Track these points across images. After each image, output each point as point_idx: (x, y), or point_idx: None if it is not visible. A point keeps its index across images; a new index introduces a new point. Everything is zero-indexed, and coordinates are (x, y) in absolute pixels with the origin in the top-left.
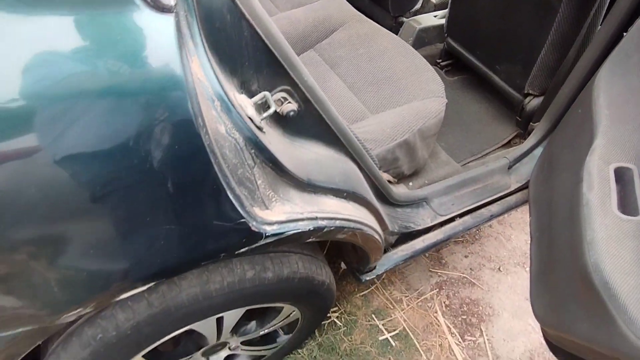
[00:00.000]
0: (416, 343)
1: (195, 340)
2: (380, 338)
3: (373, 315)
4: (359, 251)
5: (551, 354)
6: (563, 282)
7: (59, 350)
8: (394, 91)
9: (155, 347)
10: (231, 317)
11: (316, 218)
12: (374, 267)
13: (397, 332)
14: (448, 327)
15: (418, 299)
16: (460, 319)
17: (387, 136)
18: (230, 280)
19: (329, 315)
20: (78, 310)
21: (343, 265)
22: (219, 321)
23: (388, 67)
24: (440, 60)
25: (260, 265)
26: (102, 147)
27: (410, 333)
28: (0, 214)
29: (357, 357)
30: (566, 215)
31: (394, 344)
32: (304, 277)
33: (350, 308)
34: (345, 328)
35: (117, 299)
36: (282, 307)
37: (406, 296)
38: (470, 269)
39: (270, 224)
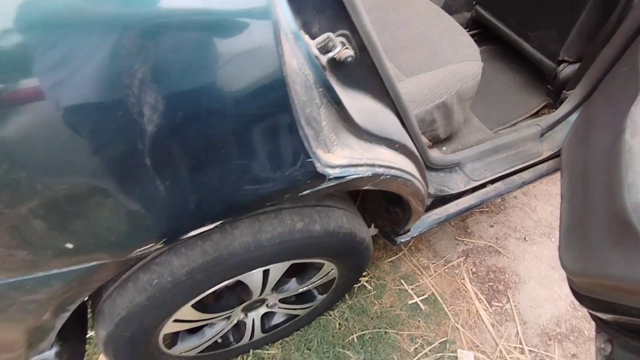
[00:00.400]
0: (445, 307)
1: (238, 294)
2: (410, 302)
3: (402, 281)
4: (394, 213)
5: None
6: (597, 229)
7: (114, 296)
8: (428, 55)
9: (202, 299)
10: (277, 270)
11: (374, 165)
12: (409, 230)
13: (425, 296)
14: (475, 293)
15: (445, 266)
16: (487, 285)
17: (425, 98)
18: (280, 230)
19: (359, 279)
20: (149, 245)
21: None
22: (265, 275)
23: (421, 31)
24: (467, 30)
25: (309, 217)
26: (190, 76)
27: (438, 298)
28: (80, 144)
29: (387, 319)
30: (604, 166)
31: (423, 308)
32: (348, 232)
33: (379, 273)
34: (375, 292)
35: (186, 236)
36: (323, 265)
37: (433, 263)
38: (496, 238)
39: (333, 167)
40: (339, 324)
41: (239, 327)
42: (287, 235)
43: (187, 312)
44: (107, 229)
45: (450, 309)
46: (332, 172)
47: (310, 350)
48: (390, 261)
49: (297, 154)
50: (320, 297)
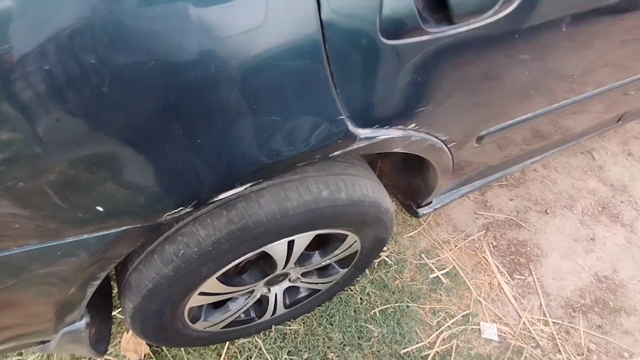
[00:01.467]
0: (466, 281)
1: (262, 267)
2: (431, 276)
3: (422, 255)
4: (416, 186)
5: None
6: None
7: (140, 268)
8: None
9: (227, 272)
10: (301, 241)
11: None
12: (430, 202)
13: (447, 270)
14: (497, 266)
15: (465, 240)
16: (508, 259)
17: None
18: (306, 199)
19: (379, 254)
20: (179, 209)
21: None
22: (290, 246)
23: None
24: None
25: (334, 185)
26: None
27: (460, 271)
28: (111, 100)
29: (408, 293)
30: None
31: (444, 281)
32: (373, 201)
33: (399, 248)
34: (396, 266)
35: (215, 199)
36: (346, 236)
37: (453, 237)
38: (516, 211)
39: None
40: (361, 298)
41: (262, 302)
42: (312, 203)
43: (212, 284)
44: (138, 190)
45: (472, 282)
46: (363, 133)
47: (332, 325)
48: (410, 236)
49: (330, 111)
50: (341, 272)
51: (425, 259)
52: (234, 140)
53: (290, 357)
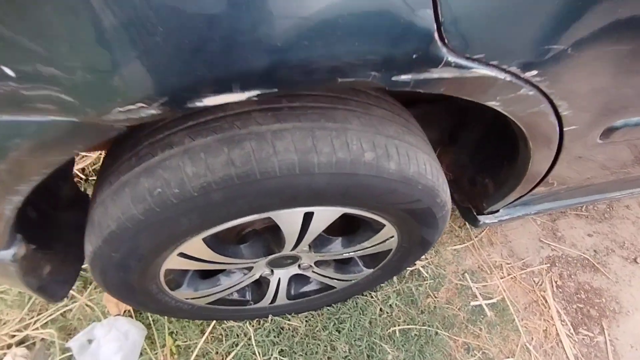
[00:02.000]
0: (516, 320)
1: (267, 242)
2: (472, 303)
3: (466, 275)
4: (482, 185)
5: None
6: None
7: (108, 202)
8: None
9: (218, 234)
10: (322, 217)
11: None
12: (497, 211)
13: (493, 301)
14: (558, 312)
15: (522, 270)
16: (574, 306)
17: None
18: (341, 156)
19: (415, 261)
20: (138, 104)
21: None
22: (307, 220)
23: None
24: None
25: (383, 149)
26: None
27: (509, 306)
28: None
29: (441, 317)
30: None
31: (488, 314)
32: (429, 187)
33: (439, 261)
34: (432, 281)
35: (198, 104)
36: (382, 227)
37: (508, 263)
38: (595, 250)
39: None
40: (381, 309)
41: (261, 285)
42: (348, 165)
43: (196, 246)
44: (73, 54)
45: (522, 324)
46: (455, 58)
47: (340, 332)
48: (455, 249)
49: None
50: (365, 271)
51: (470, 281)
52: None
53: (281, 357)
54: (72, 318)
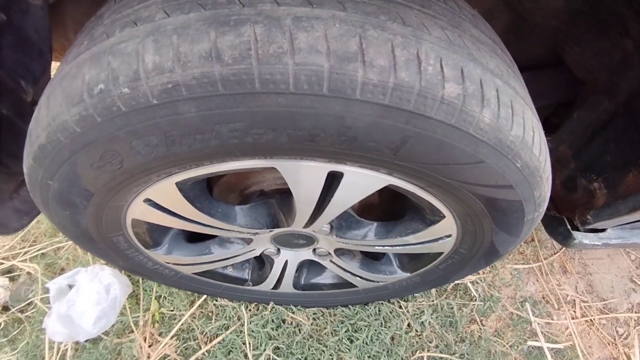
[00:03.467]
0: None
1: (272, 208)
2: (530, 343)
3: (526, 305)
4: (586, 191)
5: None
6: None
7: (42, 101)
8: None
9: (203, 183)
10: (355, 183)
11: None
12: (603, 230)
13: (559, 346)
14: None
15: (603, 314)
16: None
17: None
18: (405, 78)
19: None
20: None
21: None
22: (331, 184)
23: None
24: None
25: (477, 85)
26: None
27: (580, 356)
28: None
29: (484, 353)
30: None
31: None
32: (532, 168)
33: (494, 279)
34: (481, 304)
35: None
36: (441, 219)
37: (584, 301)
38: None
39: None
40: (409, 325)
41: (263, 264)
42: (414, 96)
43: (167, 192)
44: None
45: None
46: None
47: (352, 342)
48: (516, 269)
49: None
50: (398, 274)
51: (530, 313)
52: None
53: (275, 357)
54: (59, 257)
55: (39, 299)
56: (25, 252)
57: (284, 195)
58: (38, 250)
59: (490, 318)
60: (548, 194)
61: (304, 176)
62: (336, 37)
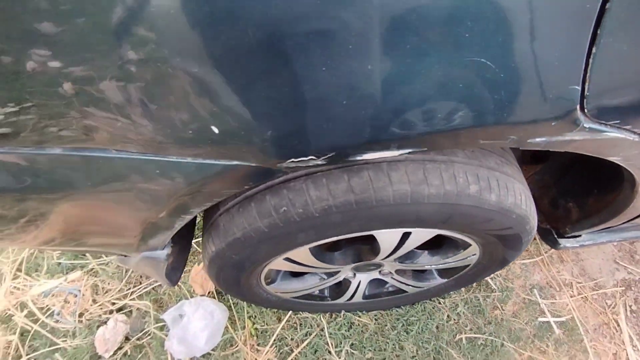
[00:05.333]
0: (585, 340)
1: (358, 251)
2: (540, 319)
3: (534, 291)
4: (565, 209)
5: None
6: None
7: (233, 211)
8: None
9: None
10: (419, 236)
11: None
12: (580, 235)
13: (562, 319)
14: (630, 337)
15: (594, 290)
16: None
17: None
18: (449, 188)
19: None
20: (309, 157)
21: None
22: (404, 238)
23: None
24: None
25: (486, 182)
26: None
27: (579, 326)
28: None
29: (507, 330)
30: None
31: (556, 332)
32: (522, 216)
33: (508, 274)
34: (500, 294)
35: (357, 158)
36: (468, 246)
37: (579, 282)
38: None
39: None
40: (448, 316)
41: (341, 284)
42: (454, 196)
43: (302, 253)
44: (268, 119)
45: (591, 345)
46: (589, 122)
47: (408, 333)
48: (524, 263)
49: (567, 75)
50: (438, 281)
51: (538, 296)
52: (417, 79)
53: (352, 351)
54: (163, 293)
55: (153, 328)
56: (132, 292)
57: (365, 242)
58: (142, 290)
59: (508, 304)
60: (535, 225)
61: (389, 236)
62: (411, 172)
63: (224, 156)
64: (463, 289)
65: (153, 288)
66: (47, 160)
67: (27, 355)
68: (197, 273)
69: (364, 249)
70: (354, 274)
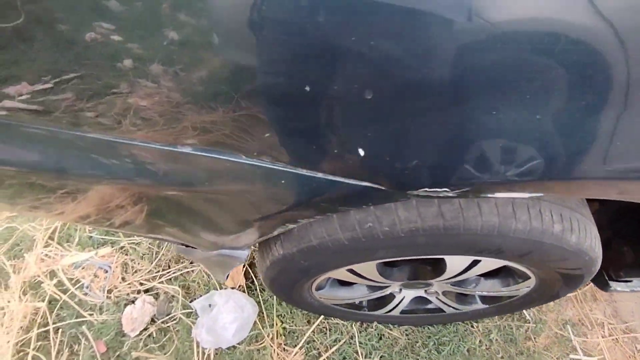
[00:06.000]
0: None
1: (416, 270)
2: (572, 356)
3: (567, 327)
4: (618, 251)
5: None
6: None
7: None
8: None
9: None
10: (486, 265)
11: None
12: (631, 281)
13: (594, 359)
14: None
15: (625, 334)
16: None
17: None
18: (535, 226)
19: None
20: (443, 189)
21: None
22: (471, 265)
23: None
24: None
25: (569, 222)
26: None
27: None
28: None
29: None
30: None
31: None
32: (593, 259)
33: (541, 306)
34: (534, 325)
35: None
36: (527, 279)
37: (610, 324)
38: None
39: None
40: (480, 341)
41: (385, 298)
42: (539, 233)
43: (369, 267)
44: (421, 150)
45: None
46: None
47: (439, 353)
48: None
49: None
50: (479, 306)
51: (571, 333)
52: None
53: None
54: (192, 281)
55: (180, 313)
56: (161, 276)
57: (427, 261)
58: (172, 274)
59: (540, 336)
60: (598, 267)
61: (459, 262)
62: (501, 205)
63: (357, 177)
64: (496, 316)
65: (182, 274)
66: (179, 158)
67: (53, 323)
68: None
69: (423, 269)
70: (400, 290)
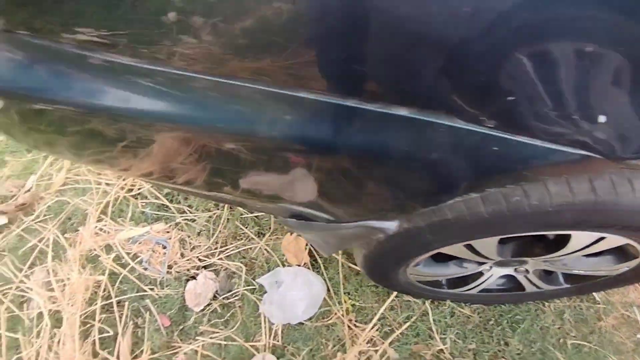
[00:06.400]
0: None
1: (525, 246)
2: (639, 335)
3: (634, 308)
4: None
5: None
6: None
7: None
8: None
9: None
10: (608, 243)
11: None
12: None
13: None
14: None
15: None
16: None
17: None
18: None
19: None
20: None
21: None
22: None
23: None
24: None
25: None
26: None
27: None
28: None
29: (609, 342)
30: None
31: None
32: None
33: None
34: (604, 307)
35: None
36: (634, 259)
37: None
38: None
39: None
40: (553, 320)
41: (471, 276)
42: None
43: (489, 243)
44: None
45: None
46: None
47: (513, 331)
48: None
49: None
50: (561, 286)
51: (637, 314)
52: None
53: (456, 339)
54: (254, 257)
55: (243, 289)
56: (220, 252)
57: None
58: (230, 251)
59: (609, 317)
60: None
61: (586, 238)
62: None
63: (580, 145)
64: (566, 297)
65: (239, 252)
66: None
67: (116, 297)
68: (289, 242)
69: (532, 245)
70: (490, 267)
